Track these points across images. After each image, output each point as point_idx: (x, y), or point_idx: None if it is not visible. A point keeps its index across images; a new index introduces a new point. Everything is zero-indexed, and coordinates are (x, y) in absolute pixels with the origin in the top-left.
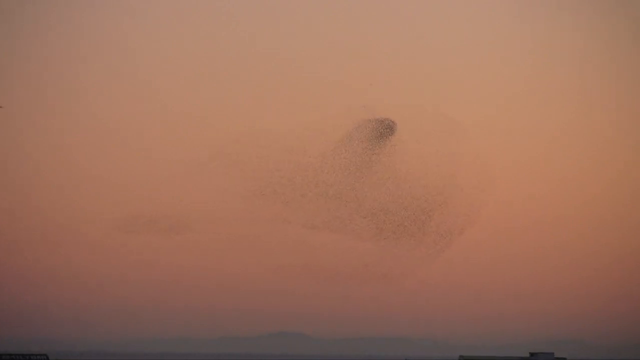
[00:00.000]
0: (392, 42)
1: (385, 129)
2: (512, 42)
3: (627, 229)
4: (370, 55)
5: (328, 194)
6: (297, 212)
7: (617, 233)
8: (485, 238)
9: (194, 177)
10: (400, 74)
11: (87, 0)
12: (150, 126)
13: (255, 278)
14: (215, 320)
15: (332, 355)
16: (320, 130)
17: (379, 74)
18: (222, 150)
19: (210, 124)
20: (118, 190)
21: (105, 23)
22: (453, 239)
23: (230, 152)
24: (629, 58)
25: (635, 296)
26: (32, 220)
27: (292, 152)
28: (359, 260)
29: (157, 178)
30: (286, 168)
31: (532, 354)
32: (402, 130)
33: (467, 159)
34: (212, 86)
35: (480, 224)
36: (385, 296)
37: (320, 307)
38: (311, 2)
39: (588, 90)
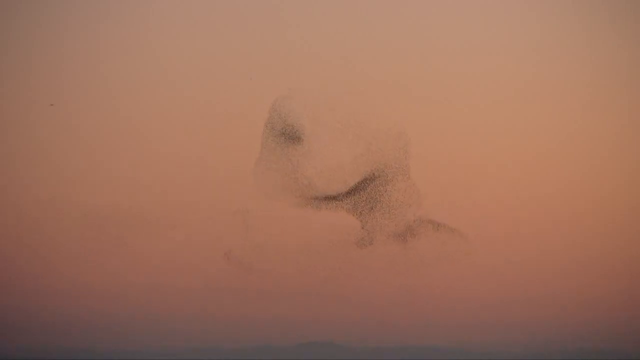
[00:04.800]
0: (394, 41)
1: (293, 133)
2: (517, 39)
3: None
4: (376, 55)
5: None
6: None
7: (633, 236)
8: (505, 241)
9: (203, 178)
10: (411, 74)
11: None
12: (151, 126)
13: (278, 283)
14: (239, 329)
15: None
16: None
17: (387, 73)
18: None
19: (209, 124)
20: (131, 191)
21: (119, 23)
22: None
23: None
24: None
25: None
26: (43, 223)
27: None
28: (378, 265)
29: (167, 178)
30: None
31: None
32: (411, 133)
33: (476, 160)
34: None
35: (511, 229)
36: (408, 303)
37: (347, 315)
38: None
39: (596, 90)
